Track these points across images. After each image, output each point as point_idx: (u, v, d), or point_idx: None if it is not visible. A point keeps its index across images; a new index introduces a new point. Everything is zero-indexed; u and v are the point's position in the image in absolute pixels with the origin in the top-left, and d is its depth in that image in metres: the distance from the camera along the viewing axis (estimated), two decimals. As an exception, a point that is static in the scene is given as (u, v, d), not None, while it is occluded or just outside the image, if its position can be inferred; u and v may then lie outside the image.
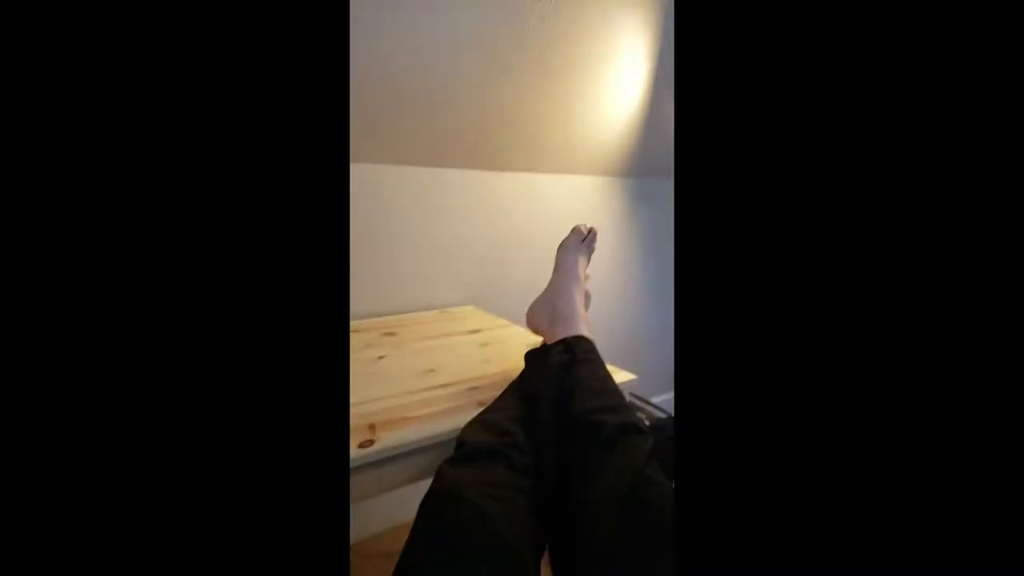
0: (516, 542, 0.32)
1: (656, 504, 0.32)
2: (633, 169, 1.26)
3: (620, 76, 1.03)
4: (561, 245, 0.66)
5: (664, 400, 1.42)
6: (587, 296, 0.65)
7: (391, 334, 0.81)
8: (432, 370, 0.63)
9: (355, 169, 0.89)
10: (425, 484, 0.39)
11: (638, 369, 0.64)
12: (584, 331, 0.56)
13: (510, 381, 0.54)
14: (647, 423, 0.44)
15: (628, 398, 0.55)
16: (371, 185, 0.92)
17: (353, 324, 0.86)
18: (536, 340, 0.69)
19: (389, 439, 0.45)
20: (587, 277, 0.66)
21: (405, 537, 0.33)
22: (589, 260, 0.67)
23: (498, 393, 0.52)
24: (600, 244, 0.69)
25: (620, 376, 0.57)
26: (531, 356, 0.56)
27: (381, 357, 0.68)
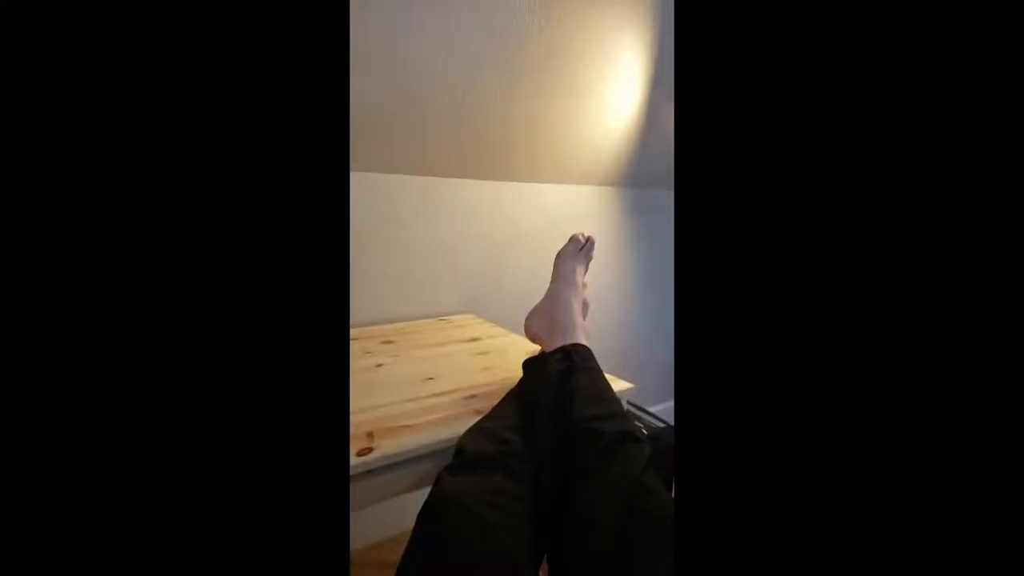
0: (515, 550, 0.32)
1: (654, 512, 0.33)
2: (630, 179, 1.27)
3: (617, 87, 1.05)
4: (559, 254, 0.66)
5: (662, 409, 1.42)
6: (585, 305, 0.66)
7: (390, 342, 0.81)
8: (431, 378, 0.63)
9: (355, 178, 0.90)
10: (423, 493, 0.39)
11: (636, 378, 0.65)
12: (582, 339, 0.57)
13: (508, 389, 0.54)
14: (645, 432, 0.44)
15: (626, 407, 0.55)
16: (371, 194, 0.93)
17: (352, 332, 0.86)
18: (534, 348, 0.69)
19: (387, 447, 0.45)
20: (585, 286, 0.67)
21: (403, 546, 0.33)
22: (587, 269, 0.67)
23: (496, 401, 0.52)
24: (598, 253, 0.69)
25: (618, 385, 0.57)
26: (529, 364, 0.56)
27: (380, 365, 0.69)
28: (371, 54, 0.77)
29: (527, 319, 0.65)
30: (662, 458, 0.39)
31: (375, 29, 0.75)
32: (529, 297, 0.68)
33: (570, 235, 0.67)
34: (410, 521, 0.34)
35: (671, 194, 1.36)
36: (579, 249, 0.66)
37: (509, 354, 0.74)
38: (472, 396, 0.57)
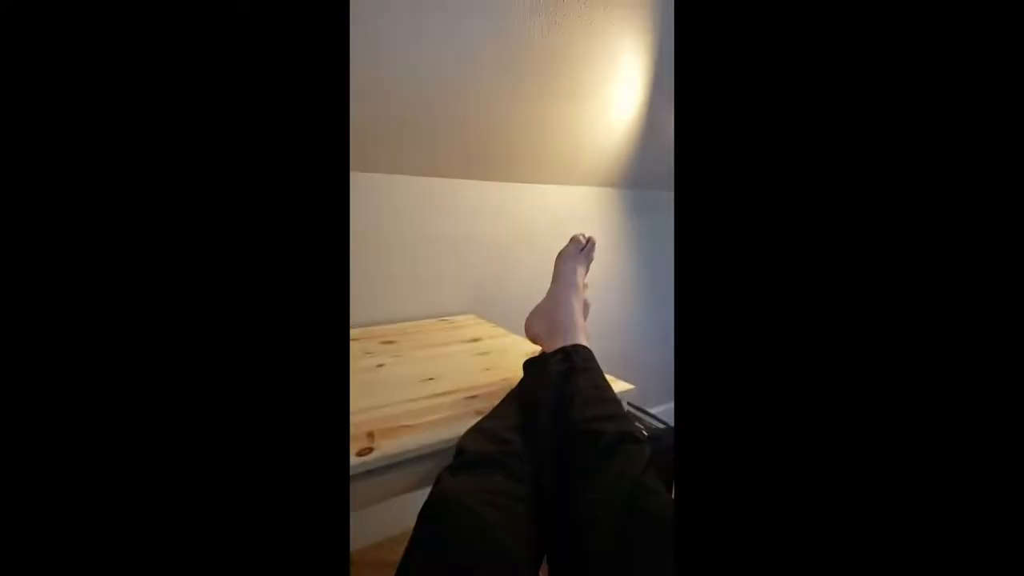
0: (515, 550, 0.32)
1: (654, 513, 0.33)
2: (631, 180, 1.27)
3: (618, 89, 1.05)
4: (560, 255, 0.66)
5: (662, 411, 1.41)
6: (586, 305, 0.66)
7: (391, 342, 0.81)
8: (431, 378, 0.63)
9: (357, 178, 0.90)
10: (423, 493, 0.39)
11: (636, 379, 0.65)
12: (583, 340, 0.57)
13: (509, 390, 0.54)
14: (645, 433, 0.44)
15: (626, 408, 0.55)
16: (372, 194, 0.93)
17: (353, 332, 0.87)
18: (535, 349, 0.69)
19: (388, 447, 0.45)
20: (586, 286, 0.67)
21: (403, 546, 0.33)
22: (588, 269, 0.67)
23: (497, 402, 0.52)
24: (598, 254, 0.69)
25: (618, 386, 0.58)
26: (530, 365, 0.56)
27: (380, 365, 0.69)
28: (379, 57, 0.78)
29: (528, 320, 0.65)
30: (662, 459, 0.39)
31: (384, 34, 0.76)
32: (530, 298, 0.68)
33: (571, 236, 0.67)
34: (410, 521, 0.34)
35: (672, 195, 1.36)
36: (580, 250, 0.66)
37: (510, 355, 0.74)
38: (473, 396, 0.57)
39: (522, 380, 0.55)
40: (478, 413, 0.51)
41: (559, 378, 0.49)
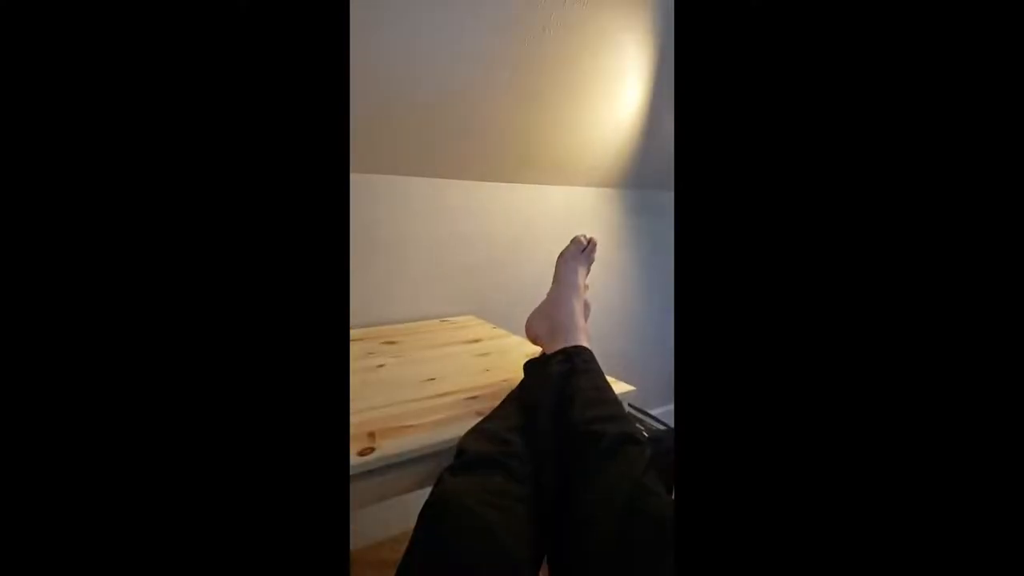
0: (515, 551, 0.32)
1: (655, 514, 0.33)
2: (632, 181, 1.27)
3: (619, 90, 1.05)
4: (561, 255, 0.66)
5: (663, 412, 1.41)
6: (587, 306, 0.66)
7: (392, 343, 0.81)
8: (432, 379, 0.63)
9: (358, 179, 0.91)
10: (423, 493, 0.39)
11: (637, 381, 0.65)
12: (583, 341, 0.57)
13: (509, 390, 0.54)
14: (646, 434, 0.44)
15: (627, 409, 0.55)
16: (374, 195, 0.93)
17: (355, 332, 0.87)
18: (535, 350, 0.69)
19: (389, 447, 0.45)
20: (587, 287, 0.67)
21: (404, 545, 0.33)
22: (589, 270, 0.67)
23: (497, 402, 0.52)
24: (599, 254, 0.69)
25: (619, 387, 0.58)
26: (530, 366, 0.56)
27: (381, 365, 0.69)
28: (378, 59, 0.78)
29: (528, 320, 0.65)
30: (663, 460, 0.40)
31: (384, 34, 0.76)
32: (531, 299, 0.69)
33: (572, 237, 0.67)
34: (411, 521, 0.34)
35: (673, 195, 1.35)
36: (581, 251, 0.66)
37: (510, 355, 0.74)
38: (473, 397, 0.57)
39: (523, 381, 0.55)
40: (479, 414, 0.51)
41: (560, 379, 0.50)
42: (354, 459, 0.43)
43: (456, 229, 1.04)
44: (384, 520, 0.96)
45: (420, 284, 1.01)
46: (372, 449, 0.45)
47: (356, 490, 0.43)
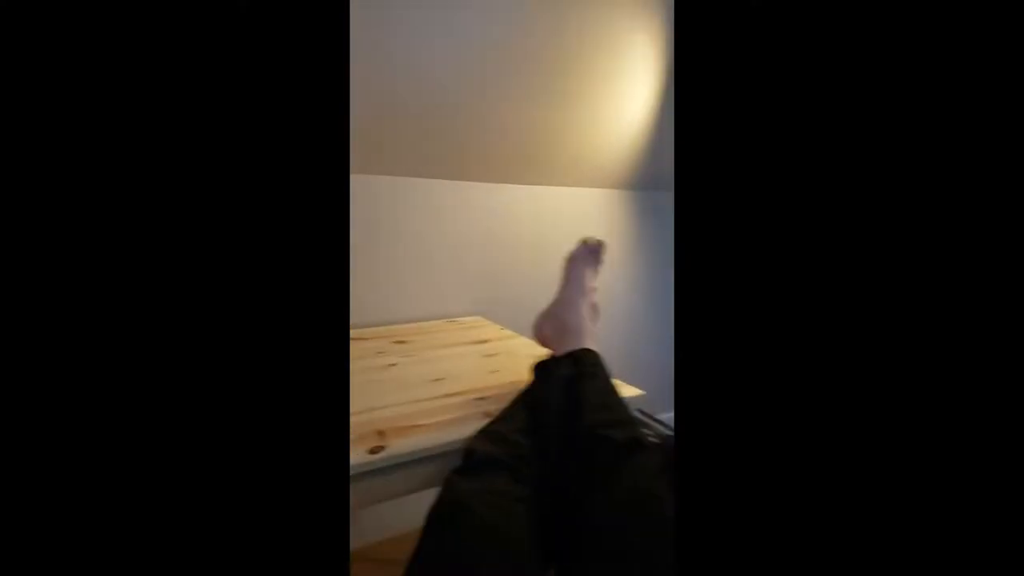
0: (523, 554, 0.32)
1: (663, 519, 0.33)
2: (640, 182, 1.27)
3: (628, 90, 1.05)
4: (569, 257, 0.66)
5: (671, 417, 1.40)
6: (595, 309, 0.66)
7: (402, 342, 0.82)
8: (441, 379, 0.64)
9: (368, 181, 0.92)
10: (431, 493, 0.39)
11: (645, 384, 0.64)
12: (591, 344, 0.57)
13: (517, 392, 0.54)
14: (653, 439, 0.44)
15: (635, 414, 0.55)
16: (383, 197, 0.94)
17: (366, 331, 0.88)
18: (543, 352, 0.69)
19: (398, 446, 0.46)
20: (595, 289, 0.67)
21: (413, 544, 0.33)
22: (597, 272, 0.67)
23: (505, 404, 0.52)
24: (608, 256, 0.69)
25: (627, 391, 0.58)
26: (538, 368, 0.56)
27: (392, 365, 0.70)
28: (386, 59, 0.79)
29: (536, 322, 0.65)
30: (670, 465, 0.39)
31: (390, 33, 0.77)
32: (538, 300, 0.69)
33: (580, 238, 0.67)
34: (420, 519, 0.35)
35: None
36: (589, 252, 0.66)
37: (518, 357, 0.74)
38: (481, 398, 0.58)
39: (530, 383, 0.55)
40: (487, 415, 0.52)
41: (567, 382, 0.50)
42: (364, 457, 0.44)
43: (466, 230, 1.04)
44: (394, 517, 0.97)
45: (430, 284, 1.01)
46: (382, 448, 0.45)
47: (365, 488, 0.44)
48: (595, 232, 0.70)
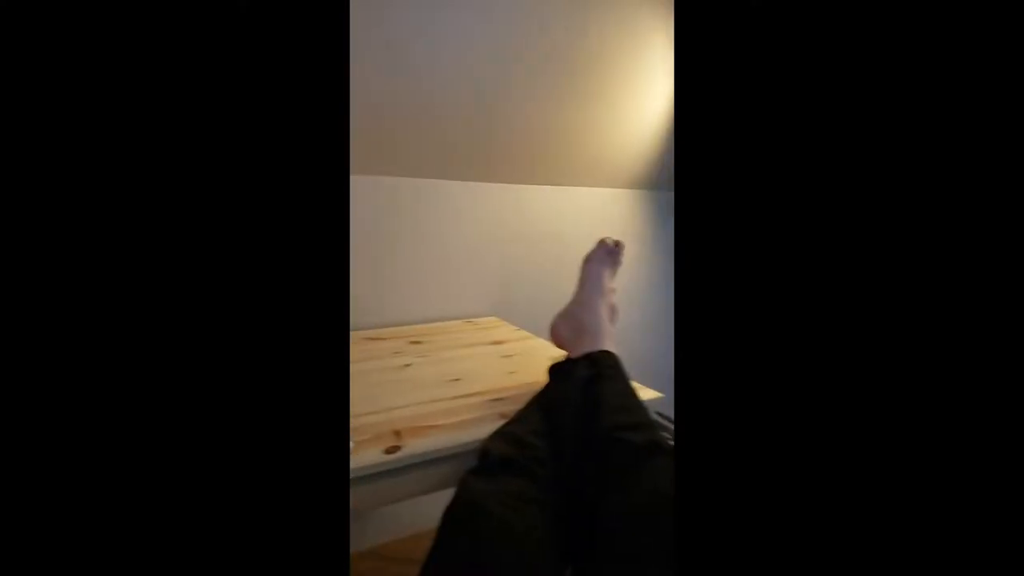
0: (537, 556, 0.32)
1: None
2: (660, 181, 1.24)
3: (647, 90, 1.03)
4: (587, 258, 0.66)
5: (691, 418, 1.37)
6: (613, 310, 0.65)
7: (418, 342, 0.82)
8: (457, 379, 0.64)
9: (385, 182, 0.93)
10: (446, 493, 0.39)
11: (665, 387, 0.63)
12: (610, 346, 0.56)
13: (534, 394, 0.54)
14: (672, 442, 0.43)
15: (654, 416, 0.54)
16: (400, 197, 0.95)
17: (382, 332, 0.89)
18: (560, 353, 0.68)
19: (414, 446, 0.46)
20: (613, 291, 0.66)
21: (428, 543, 0.33)
22: (615, 273, 0.66)
23: (522, 405, 0.52)
24: (627, 257, 0.68)
25: (646, 394, 0.56)
26: (555, 370, 0.56)
27: (408, 365, 0.70)
28: (401, 59, 0.79)
29: (553, 324, 0.65)
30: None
31: (406, 33, 0.77)
32: (554, 301, 0.68)
33: (599, 239, 0.66)
34: (435, 518, 0.35)
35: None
36: (607, 253, 0.65)
37: (535, 358, 0.74)
38: (497, 399, 0.57)
39: (547, 385, 0.55)
40: (503, 416, 0.51)
41: (585, 384, 0.49)
42: (380, 457, 0.44)
43: (482, 230, 1.04)
44: (410, 515, 0.98)
45: (446, 285, 1.02)
46: (398, 447, 0.45)
47: (382, 488, 0.44)
48: (613, 232, 0.68)
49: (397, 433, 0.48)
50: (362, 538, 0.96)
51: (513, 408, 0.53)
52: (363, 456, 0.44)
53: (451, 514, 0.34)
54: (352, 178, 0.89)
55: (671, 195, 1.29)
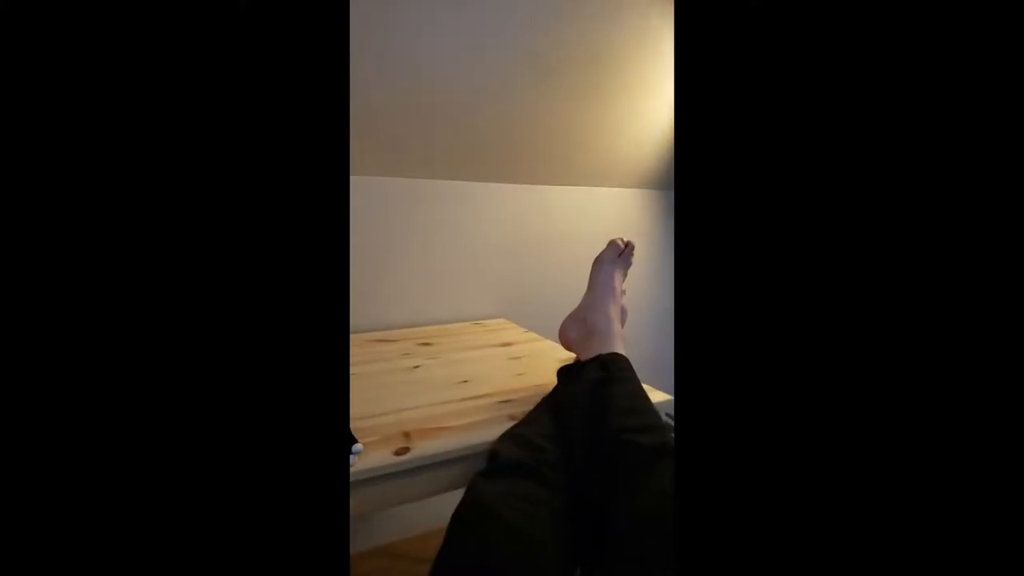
0: (546, 558, 0.31)
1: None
2: (671, 182, 1.23)
3: (658, 91, 1.02)
4: (597, 259, 0.65)
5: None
6: (623, 312, 0.64)
7: (427, 344, 0.83)
8: (466, 381, 0.64)
9: (393, 183, 0.93)
10: (455, 493, 0.39)
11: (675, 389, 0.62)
12: (619, 348, 0.56)
13: (542, 396, 0.54)
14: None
15: (664, 419, 0.53)
16: (409, 199, 0.96)
17: (390, 334, 0.89)
18: (568, 355, 0.68)
19: (424, 448, 0.46)
20: (623, 292, 0.65)
21: (436, 542, 0.33)
22: (626, 275, 0.66)
23: (530, 407, 0.52)
24: (637, 258, 0.68)
25: (656, 396, 0.56)
26: (564, 372, 0.55)
27: (417, 366, 0.70)
28: (406, 60, 0.80)
29: (563, 325, 0.65)
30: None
31: (412, 32, 0.78)
32: (563, 303, 0.68)
33: (609, 240, 0.66)
34: (445, 518, 0.35)
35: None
36: (618, 254, 0.65)
37: (544, 360, 0.73)
38: (506, 401, 0.57)
39: (556, 387, 0.54)
40: (512, 418, 0.51)
41: (594, 386, 0.49)
42: (390, 459, 0.44)
43: (491, 231, 1.04)
44: (418, 515, 0.98)
45: (455, 286, 1.02)
46: (407, 449, 0.45)
47: (391, 489, 0.44)
48: (625, 233, 0.68)
49: (406, 435, 0.48)
50: (369, 536, 0.96)
51: (522, 410, 0.53)
52: (373, 457, 0.44)
53: (460, 516, 0.34)
54: (359, 179, 0.89)
55: (682, 195, 1.28)
